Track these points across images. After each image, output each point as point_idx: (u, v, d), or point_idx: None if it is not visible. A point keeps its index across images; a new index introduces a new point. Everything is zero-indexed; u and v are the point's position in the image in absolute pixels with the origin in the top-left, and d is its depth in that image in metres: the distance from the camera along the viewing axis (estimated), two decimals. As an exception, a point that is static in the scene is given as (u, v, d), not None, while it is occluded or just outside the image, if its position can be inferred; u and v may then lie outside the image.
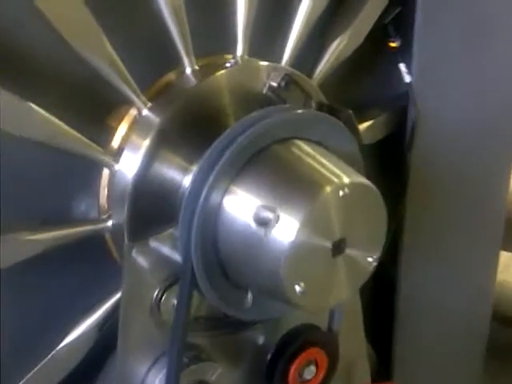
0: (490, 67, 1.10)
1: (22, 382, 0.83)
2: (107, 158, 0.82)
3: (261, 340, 0.91)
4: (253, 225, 0.75)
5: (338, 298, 0.80)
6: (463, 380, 1.29)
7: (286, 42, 0.91)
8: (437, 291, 1.18)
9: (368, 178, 0.80)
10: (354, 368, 1.00)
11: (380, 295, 1.13)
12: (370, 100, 1.04)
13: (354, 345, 0.99)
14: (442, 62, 1.05)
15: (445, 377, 1.25)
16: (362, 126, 0.99)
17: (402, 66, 1.05)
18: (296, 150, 0.80)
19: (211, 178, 0.76)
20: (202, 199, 0.76)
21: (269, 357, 0.90)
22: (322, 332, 0.92)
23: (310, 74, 0.94)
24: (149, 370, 0.83)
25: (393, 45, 1.04)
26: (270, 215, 0.74)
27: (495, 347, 1.32)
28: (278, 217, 0.74)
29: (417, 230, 1.11)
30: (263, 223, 0.74)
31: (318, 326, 0.92)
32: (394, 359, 1.18)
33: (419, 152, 1.07)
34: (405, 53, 1.04)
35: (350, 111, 0.87)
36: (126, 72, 0.79)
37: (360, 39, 0.97)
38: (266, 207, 0.75)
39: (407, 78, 1.05)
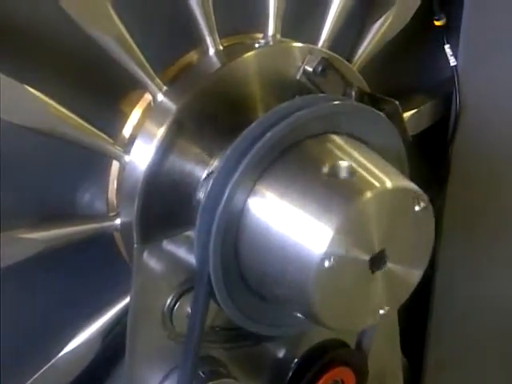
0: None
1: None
2: (117, 149, 0.77)
3: (281, 353, 0.87)
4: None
5: (375, 318, 0.73)
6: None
7: (324, 21, 0.85)
8: (476, 293, 1.13)
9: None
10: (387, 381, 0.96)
11: (413, 297, 1.06)
12: (412, 86, 1.00)
13: (389, 357, 0.95)
14: (492, 42, 1.00)
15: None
16: (405, 116, 0.93)
17: (448, 48, 1.00)
18: (332, 147, 0.74)
19: (236, 176, 0.70)
20: (224, 199, 0.70)
21: (290, 374, 0.85)
22: (349, 350, 0.86)
23: (349, 58, 0.89)
24: (160, 384, 0.79)
25: (438, 23, 0.98)
26: None
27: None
28: None
29: (456, 226, 1.06)
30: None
31: (346, 343, 0.86)
32: (426, 366, 1.14)
33: (462, 144, 1.03)
34: (451, 33, 0.99)
35: (397, 102, 0.81)
36: (138, 51, 0.74)
37: (406, 18, 0.91)
38: None
39: (453, 61, 1.00)
